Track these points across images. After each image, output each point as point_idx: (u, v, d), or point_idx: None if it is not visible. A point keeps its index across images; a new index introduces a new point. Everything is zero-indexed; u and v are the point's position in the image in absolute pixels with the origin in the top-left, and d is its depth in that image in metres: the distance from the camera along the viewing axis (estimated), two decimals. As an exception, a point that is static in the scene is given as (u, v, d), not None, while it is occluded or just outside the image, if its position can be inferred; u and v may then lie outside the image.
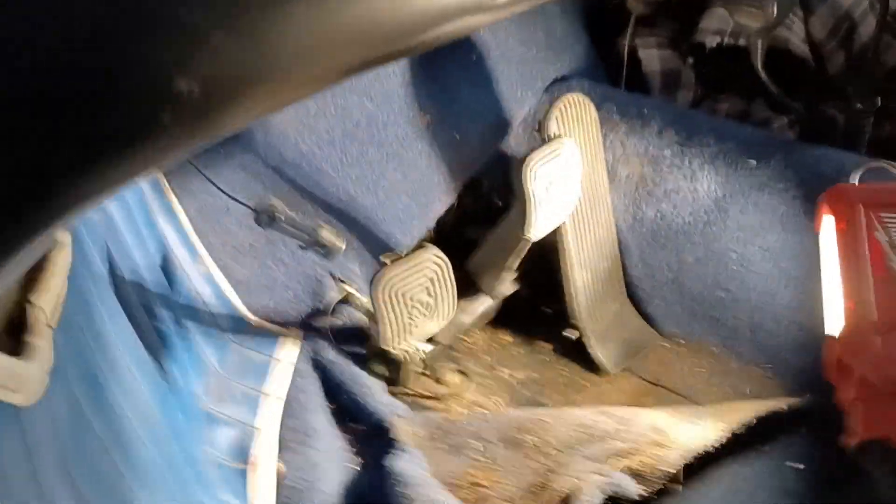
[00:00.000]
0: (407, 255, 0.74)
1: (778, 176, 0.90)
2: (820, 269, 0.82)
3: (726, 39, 1.12)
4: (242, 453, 0.85)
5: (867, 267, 0.72)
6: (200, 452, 0.77)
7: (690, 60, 1.19)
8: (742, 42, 1.09)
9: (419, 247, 0.76)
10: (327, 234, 0.69)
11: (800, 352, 0.89)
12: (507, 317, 1.11)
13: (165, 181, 0.89)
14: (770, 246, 0.91)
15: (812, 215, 0.85)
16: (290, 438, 0.88)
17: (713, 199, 0.95)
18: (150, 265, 0.79)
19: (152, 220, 0.85)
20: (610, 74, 1.21)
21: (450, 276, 0.77)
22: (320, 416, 0.91)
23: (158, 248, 0.84)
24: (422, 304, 0.76)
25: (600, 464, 0.80)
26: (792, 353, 0.90)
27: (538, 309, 1.10)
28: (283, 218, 0.65)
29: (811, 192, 0.85)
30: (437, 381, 1.03)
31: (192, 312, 0.90)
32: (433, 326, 0.81)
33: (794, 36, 1.13)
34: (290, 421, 0.89)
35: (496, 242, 0.94)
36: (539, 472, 0.83)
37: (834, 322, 0.74)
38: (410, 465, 0.84)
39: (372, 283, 0.73)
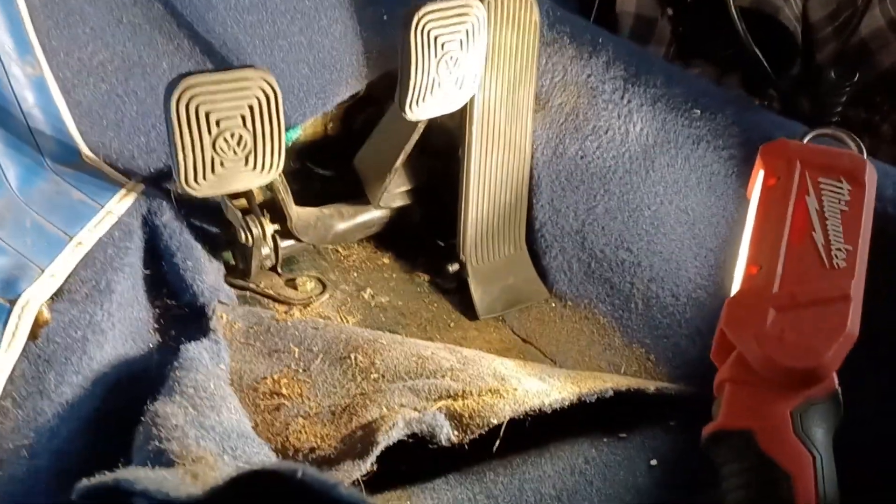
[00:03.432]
0: (226, 68, 0.59)
1: (720, 132, 0.77)
2: (737, 243, 0.69)
3: (712, -8, 0.98)
4: (9, 289, 0.70)
5: (785, 232, 0.58)
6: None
7: (669, 12, 1.05)
8: (728, -3, 0.95)
9: (246, 66, 0.61)
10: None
11: (693, 337, 0.76)
12: (393, 239, 0.97)
13: (5, -49, 0.74)
14: (689, 207, 0.77)
15: (745, 180, 0.72)
16: (76, 289, 0.73)
17: (642, 146, 0.81)
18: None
19: (-36, -18, 0.69)
20: (581, 6, 1.07)
21: (278, 114, 0.62)
22: (125, 277, 0.76)
23: (-38, 17, 0.69)
24: (233, 137, 0.61)
25: (421, 399, 0.66)
26: (684, 336, 0.77)
27: (430, 240, 0.96)
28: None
29: (751, 155, 0.72)
30: (289, 283, 0.89)
31: (-2, 114, 0.75)
32: (250, 178, 0.66)
33: (789, 10, 1.00)
34: (83, 271, 0.74)
35: (383, 133, 0.80)
36: (350, 395, 0.69)
37: (733, 291, 0.61)
38: (205, 352, 0.69)
39: (167, 87, 0.58)
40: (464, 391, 0.66)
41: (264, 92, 0.61)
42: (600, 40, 0.90)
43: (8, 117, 0.76)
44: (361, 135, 1.02)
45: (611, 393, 0.66)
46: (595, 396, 0.65)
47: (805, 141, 0.67)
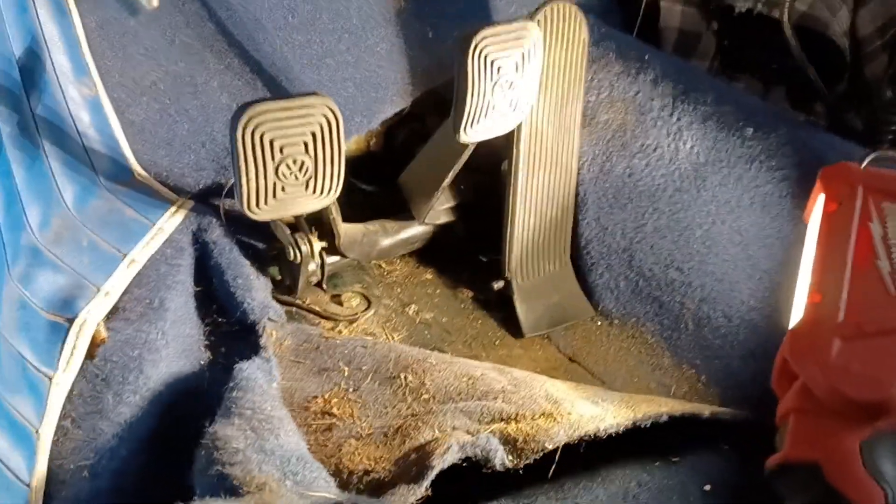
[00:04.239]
0: (290, 96, 0.59)
1: (773, 152, 0.76)
2: (793, 265, 0.68)
3: (759, 7, 0.97)
4: (67, 307, 0.71)
5: (848, 259, 0.57)
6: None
7: (714, 26, 1.04)
8: (776, 13, 0.94)
9: (310, 93, 0.61)
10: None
11: (746, 359, 0.75)
12: (435, 254, 0.98)
13: (63, -24, 0.75)
14: (743, 228, 0.76)
15: (800, 202, 0.71)
16: (131, 308, 0.74)
17: (693, 164, 0.81)
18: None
19: (26, 6, 0.70)
20: (624, 20, 1.06)
21: (339, 140, 0.62)
22: (177, 295, 0.77)
23: (24, 42, 0.70)
24: (295, 163, 0.61)
25: (473, 422, 0.66)
26: (737, 358, 0.76)
27: (473, 255, 0.96)
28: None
29: (806, 176, 0.71)
30: (334, 299, 0.90)
31: (54, 133, 0.76)
32: (309, 202, 0.66)
33: (837, 25, 0.98)
34: (137, 289, 0.75)
35: (432, 152, 0.80)
36: (402, 416, 0.69)
37: (794, 318, 0.60)
38: (259, 372, 0.70)
39: (234, 116, 0.58)
40: (517, 414, 0.66)
41: (327, 119, 0.61)
42: (647, 57, 0.90)
43: (65, 137, 0.77)
44: (403, 151, 1.03)
45: (665, 418, 0.65)
46: (650, 422, 0.65)
47: (865, 163, 0.66)
